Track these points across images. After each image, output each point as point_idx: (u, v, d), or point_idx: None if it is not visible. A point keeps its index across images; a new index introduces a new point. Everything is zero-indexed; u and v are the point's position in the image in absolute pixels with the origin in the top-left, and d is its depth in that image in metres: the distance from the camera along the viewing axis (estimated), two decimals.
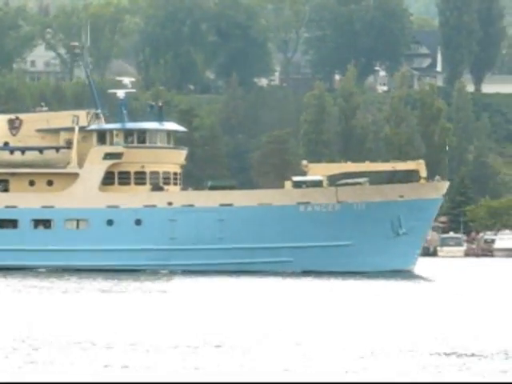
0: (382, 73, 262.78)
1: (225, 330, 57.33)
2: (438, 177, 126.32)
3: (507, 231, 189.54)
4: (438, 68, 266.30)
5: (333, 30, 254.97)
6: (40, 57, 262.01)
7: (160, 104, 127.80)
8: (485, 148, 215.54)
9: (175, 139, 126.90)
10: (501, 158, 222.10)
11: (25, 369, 39.33)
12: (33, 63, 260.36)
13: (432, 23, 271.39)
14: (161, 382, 20.88)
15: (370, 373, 41.55)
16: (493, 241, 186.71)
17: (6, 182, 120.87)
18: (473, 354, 48.01)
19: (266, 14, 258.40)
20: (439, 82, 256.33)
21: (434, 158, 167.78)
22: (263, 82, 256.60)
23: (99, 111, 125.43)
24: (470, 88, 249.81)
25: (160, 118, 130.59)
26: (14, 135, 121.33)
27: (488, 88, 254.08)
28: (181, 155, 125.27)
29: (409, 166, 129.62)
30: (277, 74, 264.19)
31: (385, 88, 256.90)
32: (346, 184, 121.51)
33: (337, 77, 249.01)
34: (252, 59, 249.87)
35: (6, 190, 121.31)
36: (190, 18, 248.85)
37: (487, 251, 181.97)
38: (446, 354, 48.09)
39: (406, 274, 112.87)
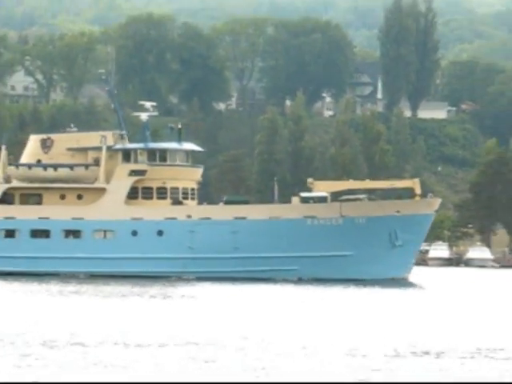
0: (329, 99, 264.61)
1: (236, 330, 56.54)
2: (430, 194, 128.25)
3: (440, 242, 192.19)
4: (379, 95, 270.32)
5: (284, 60, 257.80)
6: (19, 82, 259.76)
7: (179, 127, 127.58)
8: (420, 167, 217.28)
9: (193, 158, 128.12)
10: (434, 176, 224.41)
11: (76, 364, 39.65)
12: (13, 87, 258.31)
13: (373, 55, 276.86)
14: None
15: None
16: (427, 251, 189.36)
17: (39, 195, 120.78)
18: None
19: (224, 45, 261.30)
20: (379, 108, 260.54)
21: (375, 176, 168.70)
22: (221, 106, 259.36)
23: (124, 132, 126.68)
24: (407, 113, 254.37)
25: (179, 139, 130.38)
26: (45, 153, 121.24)
27: (423, 114, 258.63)
28: (197, 173, 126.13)
29: (405, 183, 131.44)
30: (233, 99, 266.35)
31: (331, 113, 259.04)
32: (348, 200, 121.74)
33: (287, 102, 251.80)
34: (211, 86, 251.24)
35: (39, 203, 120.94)
36: (156, 48, 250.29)
37: (421, 260, 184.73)
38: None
39: (401, 282, 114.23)
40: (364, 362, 45.29)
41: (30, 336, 52.60)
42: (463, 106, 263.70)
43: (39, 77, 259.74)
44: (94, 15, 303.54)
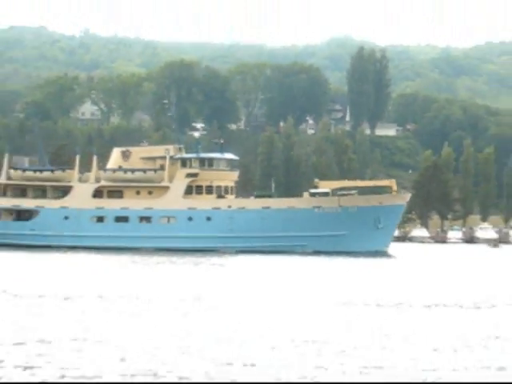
0: (311, 121, 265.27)
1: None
2: (403, 190, 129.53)
3: None
4: (347, 118, 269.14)
5: (278, 94, 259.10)
6: (87, 109, 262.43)
7: (222, 141, 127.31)
8: (377, 171, 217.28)
9: (231, 164, 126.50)
10: (387, 177, 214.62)
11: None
12: (83, 113, 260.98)
13: (343, 89, 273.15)
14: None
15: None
16: None
17: (121, 192, 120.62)
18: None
19: (235, 83, 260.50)
20: (347, 128, 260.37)
21: (344, 178, 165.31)
22: (233, 126, 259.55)
23: (181, 146, 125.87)
24: (367, 132, 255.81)
25: (222, 150, 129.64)
26: (125, 161, 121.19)
27: (379, 132, 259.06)
28: (235, 175, 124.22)
29: (385, 183, 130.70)
30: (242, 121, 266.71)
31: (312, 131, 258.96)
32: (344, 194, 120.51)
33: (281, 124, 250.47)
34: (226, 112, 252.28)
35: (121, 197, 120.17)
36: (186, 84, 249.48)
37: None
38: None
39: (382, 254, 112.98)
40: (351, 310, 47.71)
41: (140, 293, 54.68)
42: (408, 126, 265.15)
43: (102, 106, 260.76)
44: (141, 61, 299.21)
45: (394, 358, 31.90)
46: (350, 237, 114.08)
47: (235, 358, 31.05)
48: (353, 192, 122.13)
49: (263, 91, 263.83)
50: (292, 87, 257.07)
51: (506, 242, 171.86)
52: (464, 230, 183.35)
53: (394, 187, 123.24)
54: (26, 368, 28.22)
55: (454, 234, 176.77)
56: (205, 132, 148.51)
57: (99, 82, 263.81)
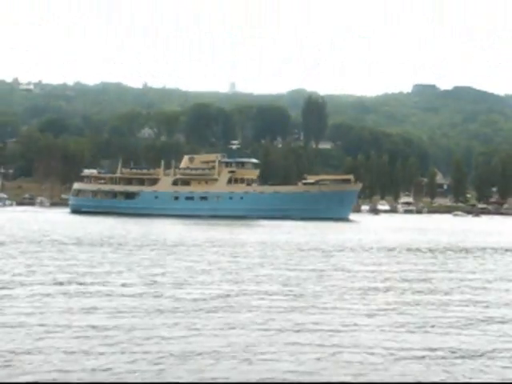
0: (280, 140, 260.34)
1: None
2: (358, 182, 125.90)
3: None
4: (302, 138, 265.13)
5: (261, 123, 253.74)
6: (146, 132, 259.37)
7: (248, 152, 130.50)
8: (320, 172, 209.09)
9: (254, 165, 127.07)
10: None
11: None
12: (143, 134, 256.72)
13: (299, 120, 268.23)
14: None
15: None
16: None
17: (189, 181, 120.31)
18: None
19: (235, 116, 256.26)
20: (302, 144, 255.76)
21: (301, 174, 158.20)
22: (233, 145, 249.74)
23: (225, 154, 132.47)
24: (314, 146, 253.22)
25: (250, 157, 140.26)
26: (191, 163, 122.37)
27: (321, 146, 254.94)
28: (257, 172, 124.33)
29: (347, 177, 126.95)
30: (238, 140, 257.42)
31: (280, 145, 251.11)
32: (323, 184, 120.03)
33: (262, 141, 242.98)
34: (229, 134, 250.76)
35: (189, 184, 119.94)
36: (205, 118, 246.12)
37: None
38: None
39: (345, 219, 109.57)
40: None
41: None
42: (338, 142, 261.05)
43: (155, 130, 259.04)
44: (179, 103, 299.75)
45: None
46: (326, 209, 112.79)
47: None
48: (327, 182, 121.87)
49: (252, 121, 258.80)
50: (269, 119, 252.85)
51: (395, 211, 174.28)
52: (370, 205, 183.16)
53: (352, 179, 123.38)
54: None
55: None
56: (239, 146, 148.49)
57: (154, 115, 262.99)
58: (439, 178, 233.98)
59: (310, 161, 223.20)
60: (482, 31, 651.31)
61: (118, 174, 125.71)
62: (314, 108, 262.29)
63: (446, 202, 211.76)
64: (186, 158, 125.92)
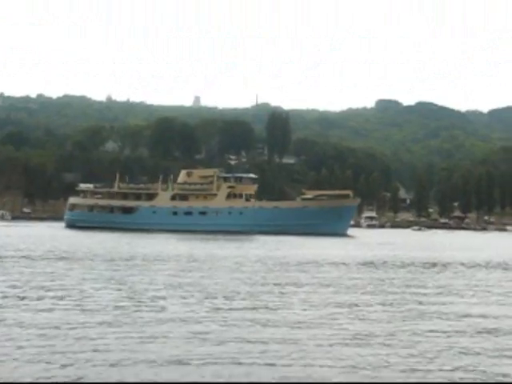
0: (244, 154, 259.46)
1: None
2: (356, 197, 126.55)
3: None
4: (266, 152, 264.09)
5: (226, 137, 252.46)
6: (110, 145, 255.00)
7: (247, 167, 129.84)
8: (284, 187, 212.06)
9: (253, 180, 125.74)
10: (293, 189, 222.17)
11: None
12: (108, 148, 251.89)
13: (263, 135, 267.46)
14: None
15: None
16: None
17: (187, 196, 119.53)
18: None
19: (199, 130, 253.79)
20: (266, 158, 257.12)
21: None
22: (198, 157, 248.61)
23: (222, 169, 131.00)
24: (277, 160, 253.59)
25: (248, 172, 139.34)
26: (188, 178, 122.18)
27: (285, 160, 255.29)
28: (255, 186, 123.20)
29: (345, 192, 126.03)
30: (203, 154, 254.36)
31: (244, 159, 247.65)
32: (321, 199, 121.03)
33: (226, 155, 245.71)
34: (193, 149, 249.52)
35: (187, 200, 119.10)
36: (169, 132, 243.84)
37: None
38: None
39: (344, 235, 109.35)
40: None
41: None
42: (302, 157, 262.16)
43: (119, 143, 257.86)
44: (143, 117, 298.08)
45: None
46: (325, 225, 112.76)
47: None
48: (324, 197, 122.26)
49: (216, 136, 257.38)
50: (233, 133, 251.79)
51: (358, 226, 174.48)
52: None
53: (351, 195, 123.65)
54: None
55: None
56: (237, 161, 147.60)
57: (117, 129, 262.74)
58: (402, 193, 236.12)
59: (274, 175, 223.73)
60: (444, 47, 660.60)
61: (115, 189, 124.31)
62: (278, 123, 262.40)
63: (409, 216, 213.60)
64: (183, 172, 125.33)
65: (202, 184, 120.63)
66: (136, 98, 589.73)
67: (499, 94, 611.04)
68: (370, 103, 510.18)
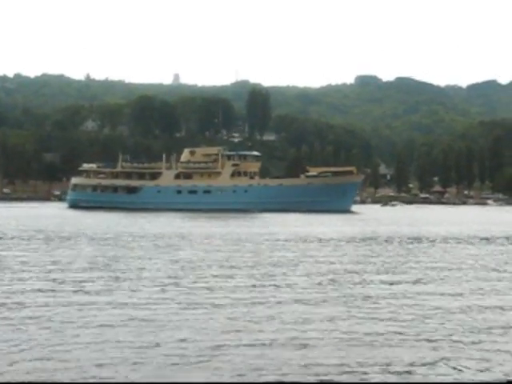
0: (225, 132, 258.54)
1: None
2: (359, 173, 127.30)
3: None
4: (246, 130, 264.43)
5: (206, 115, 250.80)
6: (90, 124, 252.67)
7: (250, 144, 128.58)
8: (266, 164, 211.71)
9: (256, 158, 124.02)
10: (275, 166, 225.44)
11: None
12: (86, 127, 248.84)
13: (243, 112, 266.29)
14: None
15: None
16: None
17: (191, 175, 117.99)
18: None
19: (179, 108, 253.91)
20: (246, 135, 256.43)
21: None
22: (177, 135, 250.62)
23: (226, 147, 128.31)
24: (258, 137, 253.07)
25: (251, 149, 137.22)
26: (191, 156, 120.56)
27: (265, 138, 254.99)
28: (259, 164, 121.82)
29: (349, 169, 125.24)
30: (183, 132, 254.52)
31: (226, 137, 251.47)
32: (325, 176, 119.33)
33: (207, 133, 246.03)
34: (173, 126, 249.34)
35: (191, 178, 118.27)
36: (149, 110, 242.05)
37: None
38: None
39: (347, 211, 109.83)
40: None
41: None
42: (282, 134, 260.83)
43: (98, 122, 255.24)
44: (122, 96, 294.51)
45: None
46: (329, 201, 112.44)
47: None
48: (329, 174, 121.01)
49: (196, 114, 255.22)
50: (213, 111, 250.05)
51: None
52: None
53: (355, 171, 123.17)
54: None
55: None
56: (241, 139, 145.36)
57: (96, 107, 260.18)
58: (382, 169, 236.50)
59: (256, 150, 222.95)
60: (423, 23, 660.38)
61: (118, 169, 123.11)
62: (258, 100, 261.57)
63: (389, 192, 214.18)
64: (186, 151, 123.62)
65: (206, 162, 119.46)
66: (115, 76, 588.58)
67: (478, 69, 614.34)
68: (349, 79, 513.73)
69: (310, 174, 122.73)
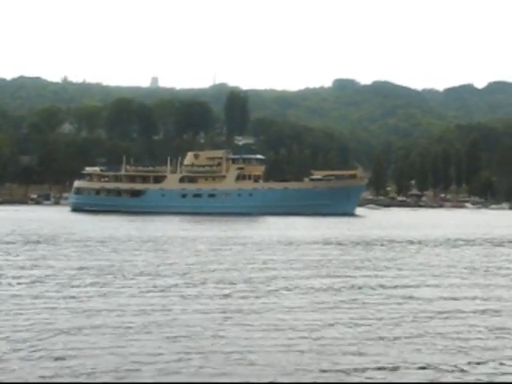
0: (202, 134, 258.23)
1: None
2: (365, 177, 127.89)
3: None
4: (224, 133, 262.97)
5: (183, 118, 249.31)
6: (66, 127, 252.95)
7: (253, 147, 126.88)
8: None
9: (261, 161, 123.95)
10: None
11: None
12: (64, 129, 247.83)
13: (222, 115, 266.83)
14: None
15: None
16: None
17: (196, 178, 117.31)
18: None
19: (157, 111, 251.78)
20: (224, 138, 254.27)
21: None
22: (155, 137, 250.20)
23: (230, 151, 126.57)
24: (235, 141, 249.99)
25: (255, 153, 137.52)
26: (196, 160, 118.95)
27: (243, 141, 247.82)
28: (262, 168, 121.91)
29: (353, 172, 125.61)
30: (161, 134, 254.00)
31: (202, 141, 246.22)
32: (329, 179, 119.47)
33: (184, 136, 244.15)
34: (151, 129, 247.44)
35: (196, 182, 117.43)
36: (127, 112, 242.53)
37: None
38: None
39: (351, 215, 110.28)
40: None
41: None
42: (261, 137, 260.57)
43: (75, 125, 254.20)
44: (100, 99, 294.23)
45: None
46: (333, 205, 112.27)
47: None
48: (332, 177, 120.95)
49: (174, 116, 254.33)
50: (191, 114, 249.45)
51: None
52: None
53: (359, 174, 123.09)
54: None
55: None
56: (246, 141, 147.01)
57: (74, 110, 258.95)
58: (360, 172, 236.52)
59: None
60: (400, 27, 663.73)
61: (122, 172, 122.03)
62: (236, 103, 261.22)
63: (367, 195, 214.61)
64: (190, 154, 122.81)
65: (210, 166, 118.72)
66: (92, 79, 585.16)
67: (454, 73, 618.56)
68: (327, 82, 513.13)
69: (314, 177, 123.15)
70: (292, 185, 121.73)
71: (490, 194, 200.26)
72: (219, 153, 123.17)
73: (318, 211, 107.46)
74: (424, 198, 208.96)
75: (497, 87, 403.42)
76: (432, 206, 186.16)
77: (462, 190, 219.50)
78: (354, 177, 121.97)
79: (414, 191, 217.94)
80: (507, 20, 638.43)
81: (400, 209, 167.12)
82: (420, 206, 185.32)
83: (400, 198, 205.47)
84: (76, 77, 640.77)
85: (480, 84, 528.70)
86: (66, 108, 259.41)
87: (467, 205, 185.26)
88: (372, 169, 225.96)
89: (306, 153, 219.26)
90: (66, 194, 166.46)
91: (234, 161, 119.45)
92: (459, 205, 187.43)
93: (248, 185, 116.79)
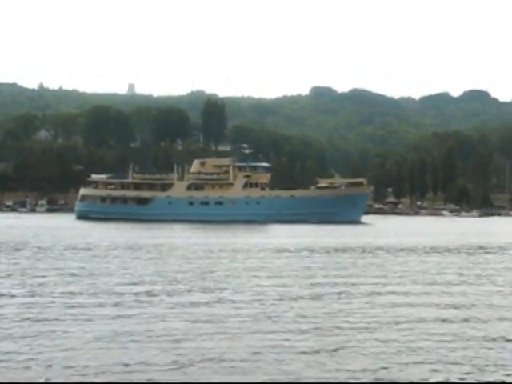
0: (180, 142, 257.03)
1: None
2: (370, 185, 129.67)
3: None
4: (201, 140, 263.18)
5: (160, 126, 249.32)
6: (43, 134, 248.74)
7: (259, 156, 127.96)
8: None
9: (267, 169, 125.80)
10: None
11: None
12: (40, 136, 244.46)
13: (199, 123, 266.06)
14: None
15: None
16: None
17: (203, 186, 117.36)
18: None
19: (134, 118, 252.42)
20: (201, 146, 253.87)
21: None
22: (132, 145, 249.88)
23: (236, 158, 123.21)
24: (213, 148, 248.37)
25: (261, 161, 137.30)
26: (202, 167, 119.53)
27: (220, 148, 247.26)
28: (269, 175, 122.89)
29: (359, 180, 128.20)
30: (138, 141, 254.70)
31: (180, 148, 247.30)
32: (335, 187, 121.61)
33: (162, 143, 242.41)
34: (128, 136, 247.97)
35: (203, 189, 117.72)
36: (104, 120, 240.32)
37: None
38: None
39: (357, 222, 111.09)
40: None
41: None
42: (238, 144, 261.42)
43: (51, 132, 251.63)
44: (76, 105, 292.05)
45: None
46: (340, 212, 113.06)
47: None
48: (337, 185, 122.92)
49: (151, 124, 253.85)
50: (168, 121, 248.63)
51: None
52: None
53: (365, 182, 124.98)
54: None
55: None
56: (252, 150, 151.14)
57: (50, 117, 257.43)
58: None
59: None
60: (377, 36, 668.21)
61: (128, 179, 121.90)
62: (214, 110, 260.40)
63: None
64: (196, 162, 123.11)
65: (218, 174, 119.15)
66: (69, 85, 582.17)
67: (430, 82, 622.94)
68: (304, 90, 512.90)
69: (320, 185, 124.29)
70: (299, 193, 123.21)
71: (465, 201, 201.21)
72: (226, 160, 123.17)
73: (324, 219, 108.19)
74: (400, 206, 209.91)
75: (472, 95, 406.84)
76: (408, 214, 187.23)
77: (438, 197, 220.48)
78: (360, 185, 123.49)
79: (391, 199, 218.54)
80: (483, 30, 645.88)
81: (375, 216, 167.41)
82: (396, 214, 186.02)
83: (377, 206, 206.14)
84: (52, 83, 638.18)
85: (456, 92, 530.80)
86: (42, 115, 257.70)
87: (444, 212, 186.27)
88: (349, 176, 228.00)
89: (283, 161, 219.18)
90: (41, 201, 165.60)
91: (240, 168, 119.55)
92: (435, 212, 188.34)
93: (255, 193, 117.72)
